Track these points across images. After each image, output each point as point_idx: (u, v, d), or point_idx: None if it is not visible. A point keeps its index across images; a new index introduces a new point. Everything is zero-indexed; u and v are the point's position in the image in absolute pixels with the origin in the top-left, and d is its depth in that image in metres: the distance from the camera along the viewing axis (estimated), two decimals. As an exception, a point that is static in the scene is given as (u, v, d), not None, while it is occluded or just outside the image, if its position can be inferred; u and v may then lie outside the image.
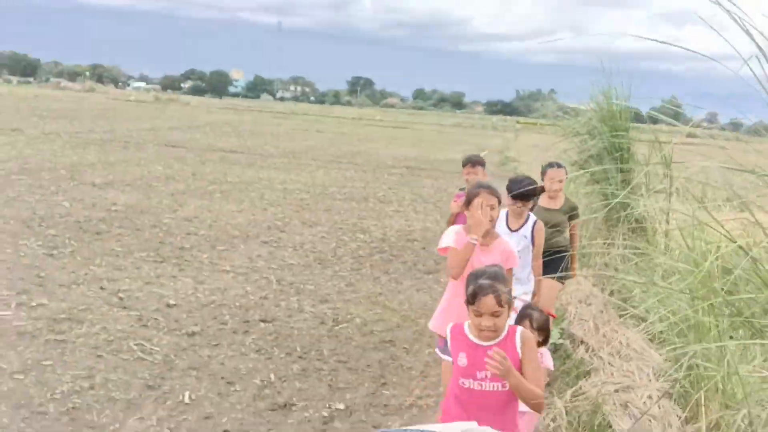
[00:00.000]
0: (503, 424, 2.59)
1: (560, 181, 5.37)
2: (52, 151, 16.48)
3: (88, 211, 9.55)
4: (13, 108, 32.88)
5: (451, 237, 3.63)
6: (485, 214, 3.53)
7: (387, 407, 4.30)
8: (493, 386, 2.66)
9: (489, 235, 3.71)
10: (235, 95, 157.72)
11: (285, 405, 4.20)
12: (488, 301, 2.60)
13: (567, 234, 5.51)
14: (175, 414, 3.98)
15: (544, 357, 3.73)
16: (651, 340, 4.41)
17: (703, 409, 3.01)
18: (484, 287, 2.61)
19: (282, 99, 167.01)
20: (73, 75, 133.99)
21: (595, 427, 3.55)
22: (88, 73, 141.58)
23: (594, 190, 7.50)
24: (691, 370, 3.32)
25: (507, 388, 2.65)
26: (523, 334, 2.76)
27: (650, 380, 3.77)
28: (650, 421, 3.28)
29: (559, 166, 5.51)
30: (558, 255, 5.20)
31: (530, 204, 4.65)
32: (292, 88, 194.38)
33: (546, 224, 4.91)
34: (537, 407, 2.74)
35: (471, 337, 2.73)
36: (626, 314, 4.75)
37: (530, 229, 4.55)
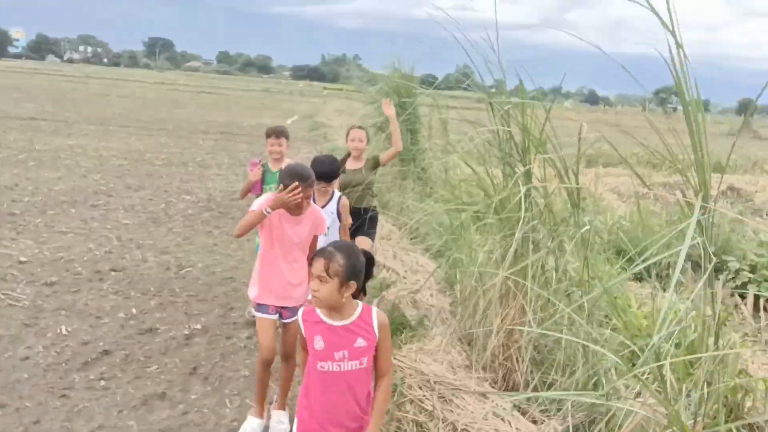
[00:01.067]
0: (364, 402, 2.65)
1: (361, 141, 5.67)
2: None
3: None
4: None
5: (258, 201, 3.75)
6: (295, 200, 3.61)
7: (236, 324, 5.38)
8: (352, 365, 2.62)
9: (300, 209, 3.78)
10: (17, 56, 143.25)
11: (150, 329, 5.11)
12: (318, 264, 2.61)
13: (375, 193, 5.82)
14: (57, 342, 4.75)
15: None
16: (431, 256, 5.91)
17: (459, 286, 4.48)
18: (321, 250, 2.66)
19: (71, 60, 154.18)
20: None
21: (395, 319, 4.93)
22: None
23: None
24: (453, 265, 4.81)
25: (364, 366, 2.64)
26: (379, 315, 2.72)
27: (430, 283, 5.23)
28: (430, 307, 4.70)
29: (360, 127, 5.87)
30: (370, 214, 5.57)
31: (335, 184, 4.74)
32: (81, 48, 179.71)
33: (356, 185, 5.34)
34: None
35: (323, 317, 2.67)
36: (414, 238, 6.21)
37: (335, 205, 4.68)
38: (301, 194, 3.60)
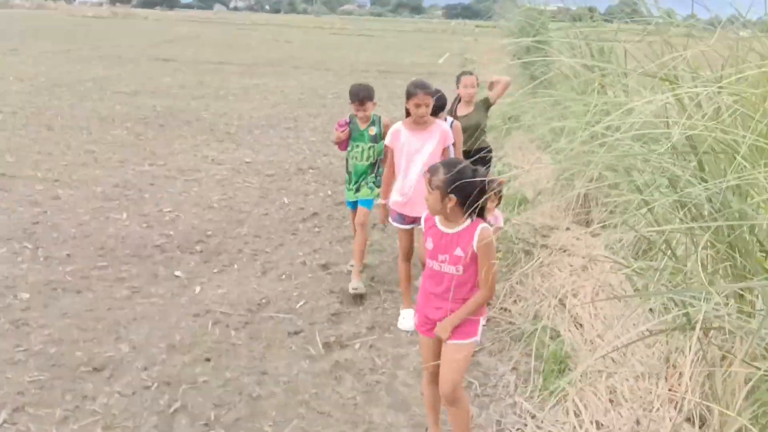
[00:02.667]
0: (455, 304, 2.95)
1: (472, 86, 5.77)
2: (63, 68, 18.71)
3: (139, 111, 12.23)
4: None
5: (388, 137, 4.49)
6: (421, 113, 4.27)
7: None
8: (450, 269, 2.93)
9: (424, 122, 4.35)
10: (188, 6, 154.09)
11: (341, 203, 7.22)
12: (425, 177, 2.96)
13: (486, 132, 5.94)
14: (283, 207, 7.01)
15: (498, 219, 4.71)
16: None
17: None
18: (431, 165, 3.00)
19: (236, 8, 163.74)
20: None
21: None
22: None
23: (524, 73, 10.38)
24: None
25: (460, 273, 2.92)
26: (482, 231, 2.89)
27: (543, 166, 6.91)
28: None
29: (470, 73, 5.96)
30: (483, 154, 5.69)
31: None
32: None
33: (467, 129, 5.41)
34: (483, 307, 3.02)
35: (439, 225, 2.98)
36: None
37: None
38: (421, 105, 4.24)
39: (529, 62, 8.78)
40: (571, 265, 4.60)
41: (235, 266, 5.44)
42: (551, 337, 3.99)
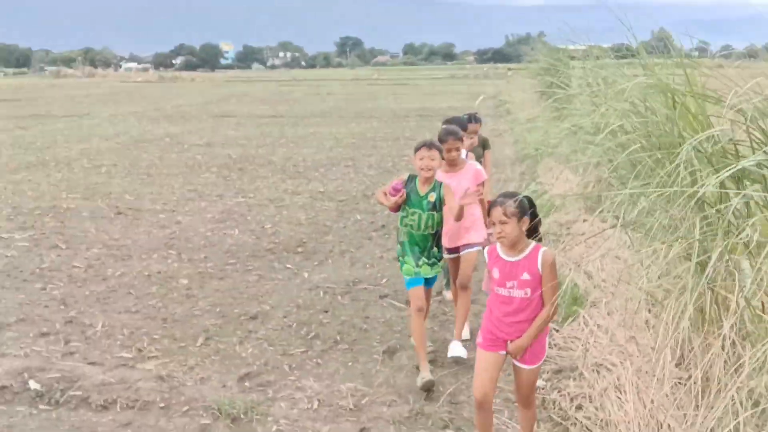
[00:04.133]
0: (525, 322, 3.26)
1: (475, 132, 6.09)
2: (138, 127, 21.08)
3: (217, 159, 14.24)
4: (48, 97, 37.20)
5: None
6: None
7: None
8: (519, 293, 3.24)
9: (457, 164, 4.76)
10: (227, 67, 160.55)
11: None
12: (496, 212, 3.20)
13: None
14: (357, 220, 8.72)
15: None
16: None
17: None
18: (493, 202, 3.25)
19: (273, 66, 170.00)
20: (67, 61, 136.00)
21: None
22: (80, 59, 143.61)
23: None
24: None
25: (528, 296, 3.23)
26: (544, 254, 3.24)
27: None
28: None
29: (476, 120, 6.28)
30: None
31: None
32: (281, 54, 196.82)
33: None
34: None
35: (501, 254, 3.30)
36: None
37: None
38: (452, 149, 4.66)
39: (550, 95, 10.46)
40: (585, 242, 6.18)
41: (330, 261, 7.14)
42: (571, 286, 5.57)
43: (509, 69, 66.74)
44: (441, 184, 4.40)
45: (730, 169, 2.62)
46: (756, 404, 2.58)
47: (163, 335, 5.17)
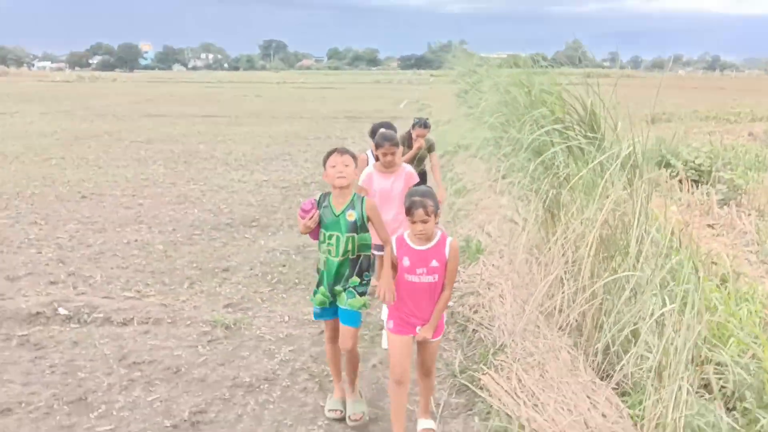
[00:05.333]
0: (431, 304, 3.58)
1: (422, 137, 7.12)
2: (72, 125, 21.69)
3: (161, 153, 15.28)
4: None
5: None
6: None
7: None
8: (428, 279, 3.54)
9: (393, 166, 5.12)
10: (147, 67, 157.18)
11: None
12: (419, 212, 3.43)
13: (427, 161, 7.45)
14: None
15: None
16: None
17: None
18: (416, 203, 3.45)
19: (195, 68, 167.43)
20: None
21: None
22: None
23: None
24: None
25: (436, 280, 3.54)
26: (451, 243, 3.57)
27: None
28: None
29: (425, 126, 7.22)
30: (421, 172, 7.13)
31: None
32: (203, 56, 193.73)
33: (413, 158, 6.93)
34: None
35: (411, 243, 3.56)
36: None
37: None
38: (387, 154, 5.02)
39: (465, 98, 12.19)
40: (487, 212, 7.81)
41: (281, 232, 8.51)
42: (476, 242, 7.17)
43: (431, 75, 69.13)
44: (362, 198, 3.79)
45: (546, 128, 4.29)
46: (570, 262, 4.20)
47: (155, 282, 6.45)
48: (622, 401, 3.58)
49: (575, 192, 4.26)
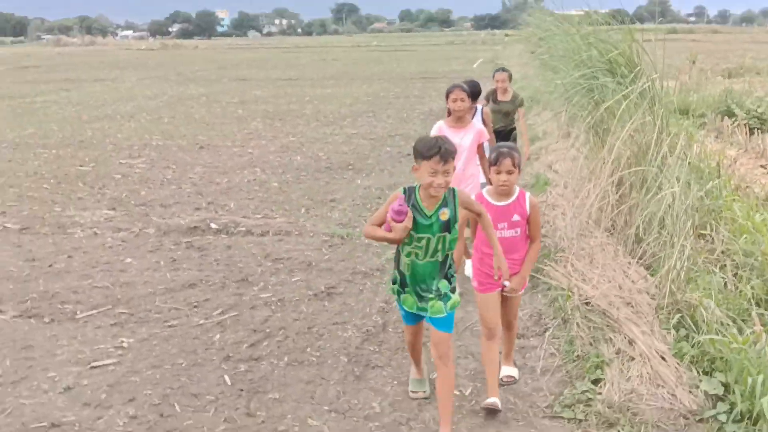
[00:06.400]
0: (520, 260, 3.73)
1: (503, 81, 7.74)
2: (170, 88, 23.65)
3: (259, 113, 16.89)
4: (65, 64, 39.51)
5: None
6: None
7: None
8: (509, 233, 3.66)
9: (462, 120, 5.31)
10: (224, 34, 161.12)
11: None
12: (506, 162, 3.56)
13: (516, 117, 7.92)
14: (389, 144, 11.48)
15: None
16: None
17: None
18: (504, 153, 3.58)
19: (269, 34, 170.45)
20: (63, 29, 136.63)
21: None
22: (76, 27, 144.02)
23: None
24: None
25: (518, 234, 3.67)
26: (531, 198, 3.70)
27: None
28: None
29: (504, 70, 7.95)
30: (510, 129, 7.86)
31: (479, 101, 6.27)
32: (277, 21, 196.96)
33: (500, 112, 7.59)
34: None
35: (490, 200, 3.69)
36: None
37: (480, 115, 6.20)
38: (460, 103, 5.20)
39: (540, 57, 13.12)
40: (554, 152, 8.93)
41: (373, 174, 9.89)
42: (545, 177, 8.30)
43: (506, 35, 68.47)
44: (453, 191, 3.33)
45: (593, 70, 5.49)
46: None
47: (278, 208, 7.96)
48: (647, 272, 4.79)
49: (614, 120, 5.44)
